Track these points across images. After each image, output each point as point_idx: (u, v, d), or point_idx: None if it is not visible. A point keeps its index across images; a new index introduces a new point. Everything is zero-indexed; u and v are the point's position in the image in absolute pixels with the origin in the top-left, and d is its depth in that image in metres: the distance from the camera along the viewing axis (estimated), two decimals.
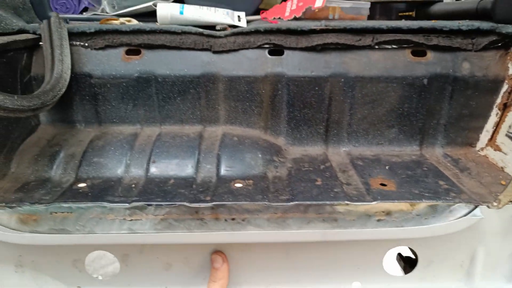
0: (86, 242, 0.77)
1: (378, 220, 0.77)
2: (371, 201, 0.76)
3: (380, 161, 0.93)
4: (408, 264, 0.95)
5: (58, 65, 0.86)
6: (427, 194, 0.77)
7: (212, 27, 1.00)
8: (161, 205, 0.76)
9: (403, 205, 0.76)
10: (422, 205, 0.76)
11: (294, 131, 0.98)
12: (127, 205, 0.76)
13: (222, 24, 1.02)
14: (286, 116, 0.96)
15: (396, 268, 0.96)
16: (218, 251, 0.81)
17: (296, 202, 0.76)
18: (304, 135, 0.98)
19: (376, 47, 0.93)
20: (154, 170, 0.87)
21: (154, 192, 0.79)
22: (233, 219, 0.77)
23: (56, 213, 0.76)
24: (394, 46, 0.93)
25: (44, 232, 0.78)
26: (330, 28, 0.92)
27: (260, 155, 0.91)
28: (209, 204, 0.75)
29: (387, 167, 0.89)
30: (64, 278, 0.84)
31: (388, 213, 0.77)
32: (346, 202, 0.76)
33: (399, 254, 1.01)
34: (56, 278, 0.84)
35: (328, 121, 0.97)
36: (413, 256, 0.99)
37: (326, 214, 0.77)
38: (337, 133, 0.98)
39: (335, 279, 0.84)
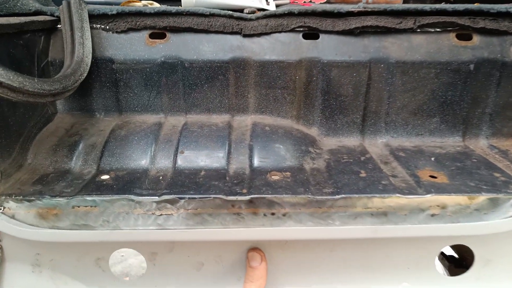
0: (111, 239, 0.70)
1: (432, 215, 0.70)
2: (425, 194, 0.70)
3: (423, 152, 0.86)
4: (453, 263, 0.88)
5: (79, 49, 0.80)
6: (485, 187, 0.71)
7: (239, 11, 0.94)
8: (195, 198, 0.69)
9: (460, 199, 0.70)
10: (481, 198, 0.69)
11: (329, 120, 0.91)
12: (156, 198, 0.69)
13: (250, 7, 0.96)
14: (320, 104, 0.90)
15: (439, 268, 0.89)
16: (255, 248, 0.74)
17: (343, 195, 0.69)
18: (339, 125, 0.92)
19: (418, 30, 0.87)
20: (182, 161, 0.80)
21: (185, 184, 0.73)
22: (272, 213, 0.70)
23: (78, 207, 0.70)
24: (438, 29, 0.87)
25: (65, 228, 0.71)
26: (369, 10, 0.86)
27: (295, 146, 0.84)
28: (247, 197, 0.69)
29: (432, 159, 0.83)
30: (86, 278, 0.77)
31: (443, 207, 0.70)
32: (398, 195, 0.69)
33: (442, 253, 0.94)
34: (76, 278, 0.77)
35: (365, 110, 0.90)
36: (456, 255, 0.93)
37: (374, 208, 0.70)
38: (374, 123, 0.91)
39: (382, 279, 0.77)
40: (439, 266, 0.91)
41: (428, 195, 0.69)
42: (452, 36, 0.87)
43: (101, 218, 0.71)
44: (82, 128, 0.87)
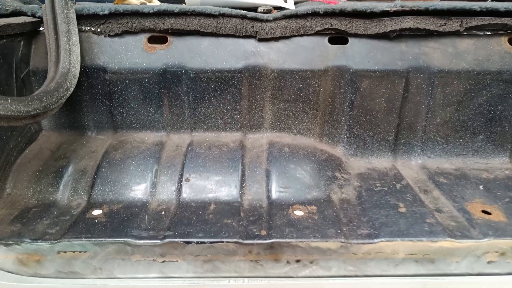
0: (112, 283, 0.58)
1: (489, 262, 0.59)
2: (482, 238, 0.58)
3: (468, 177, 0.74)
4: None
5: (65, 57, 0.67)
6: None
7: (253, 10, 0.81)
8: (204, 242, 0.57)
9: None
10: None
11: (357, 139, 0.79)
12: (159, 242, 0.57)
13: (265, 5, 0.82)
14: (347, 120, 0.77)
15: None
16: None
17: (383, 240, 0.57)
18: (368, 144, 0.79)
19: (465, 33, 0.74)
20: (188, 191, 0.68)
21: (192, 222, 0.61)
22: (298, 261, 0.59)
23: (65, 252, 0.58)
24: (488, 33, 0.74)
25: (50, 276, 0.60)
26: (408, 9, 0.73)
27: (319, 171, 0.72)
28: (268, 242, 0.57)
29: (481, 187, 0.71)
30: None
31: (502, 253, 0.58)
32: (449, 239, 0.57)
33: None
34: None
35: (399, 126, 0.78)
36: None
37: (420, 254, 0.58)
38: (409, 142, 0.79)
39: None
40: None
41: (486, 240, 0.58)
42: (504, 40, 0.74)
43: (92, 265, 0.59)
44: (70, 149, 0.74)
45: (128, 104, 0.77)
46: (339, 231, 0.59)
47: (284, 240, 0.57)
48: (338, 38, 0.75)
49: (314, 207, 0.65)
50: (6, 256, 0.59)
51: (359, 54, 0.74)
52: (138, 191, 0.68)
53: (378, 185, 0.72)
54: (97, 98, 0.76)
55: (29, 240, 0.57)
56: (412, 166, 0.79)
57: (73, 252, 0.58)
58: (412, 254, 0.58)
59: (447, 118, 0.77)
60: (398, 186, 0.71)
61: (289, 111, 0.78)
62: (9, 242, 0.58)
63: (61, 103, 0.65)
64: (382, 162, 0.79)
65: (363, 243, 0.58)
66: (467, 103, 0.76)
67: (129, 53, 0.74)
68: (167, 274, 0.60)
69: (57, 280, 0.59)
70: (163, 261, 0.59)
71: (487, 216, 0.63)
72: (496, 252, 0.58)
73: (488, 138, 0.78)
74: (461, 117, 0.77)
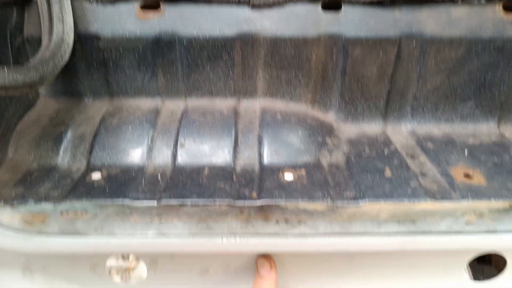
0: (105, 249, 0.62)
1: (467, 223, 0.62)
2: (460, 199, 0.61)
3: (454, 143, 0.76)
4: (480, 270, 0.81)
5: (58, 26, 0.68)
6: None
7: None
8: (198, 204, 0.61)
9: (499, 204, 0.61)
10: None
11: (348, 105, 0.80)
12: (155, 203, 0.61)
13: None
14: (339, 87, 0.78)
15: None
16: (265, 255, 0.67)
17: (368, 201, 0.61)
18: (359, 110, 0.81)
19: (460, 1, 0.73)
20: (183, 156, 0.71)
21: (187, 186, 0.64)
22: (286, 221, 0.62)
23: (67, 213, 0.62)
24: (483, 1, 0.73)
25: (54, 234, 0.64)
26: None
27: (310, 137, 0.74)
28: (258, 203, 0.60)
29: (466, 152, 0.73)
30: (82, 284, 0.71)
31: (480, 214, 0.62)
32: (430, 200, 0.60)
33: None
34: (72, 283, 0.71)
35: (390, 93, 0.79)
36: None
37: (402, 215, 0.62)
38: (399, 108, 0.81)
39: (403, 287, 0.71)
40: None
41: (464, 201, 0.61)
42: (498, 8, 0.74)
43: (93, 225, 0.63)
44: (68, 116, 0.76)
45: (123, 71, 0.78)
46: (326, 194, 0.62)
47: (273, 202, 0.61)
48: (331, 4, 0.74)
49: (303, 171, 0.68)
50: (13, 217, 0.62)
51: (352, 21, 0.74)
52: (135, 156, 0.71)
53: (367, 150, 0.74)
54: (92, 66, 0.77)
55: (32, 202, 0.61)
56: (401, 132, 0.81)
57: (75, 212, 0.62)
58: (394, 215, 0.62)
59: (438, 85, 0.78)
60: (386, 151, 0.74)
61: (282, 78, 0.79)
62: (14, 204, 0.61)
63: (57, 72, 0.66)
64: (372, 128, 0.81)
65: (348, 205, 0.61)
66: (459, 70, 0.77)
67: (122, 21, 0.75)
68: (164, 233, 0.63)
69: (61, 239, 0.63)
70: (160, 221, 0.63)
71: (468, 180, 0.66)
72: (474, 213, 0.62)
73: (477, 104, 0.80)
74: (451, 83, 0.78)
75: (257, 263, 0.67)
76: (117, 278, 0.73)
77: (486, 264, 0.79)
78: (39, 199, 0.61)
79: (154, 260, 0.68)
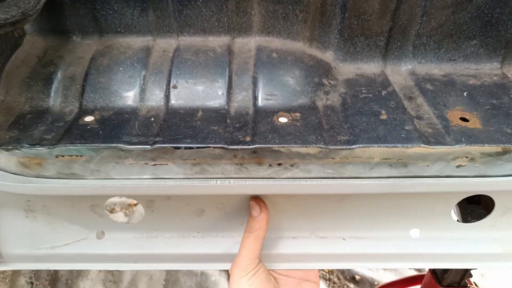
0: (102, 191, 0.64)
1: (458, 166, 0.63)
2: (454, 144, 0.61)
3: (454, 84, 0.74)
4: (469, 210, 0.84)
5: None
6: None
7: None
8: (192, 147, 0.61)
9: (492, 149, 0.61)
10: None
11: (347, 43, 0.77)
12: (149, 147, 0.61)
13: None
14: (339, 24, 0.74)
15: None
16: (256, 197, 0.69)
17: (360, 146, 0.61)
18: (359, 49, 0.78)
19: None
20: (176, 98, 0.70)
21: (180, 129, 0.64)
22: (279, 164, 0.63)
23: (63, 156, 0.62)
24: None
25: (52, 176, 0.65)
26: None
27: (306, 78, 0.72)
28: (251, 147, 0.61)
29: (465, 94, 0.72)
30: (83, 222, 0.74)
31: (472, 159, 0.62)
32: (423, 145, 0.61)
33: None
34: (73, 222, 0.74)
35: (391, 30, 0.75)
36: None
37: (394, 159, 0.62)
38: (400, 46, 0.77)
39: (391, 226, 0.74)
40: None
41: (457, 146, 0.61)
42: None
43: (89, 168, 0.64)
44: (57, 55, 0.74)
45: (110, 6, 0.74)
46: (319, 137, 0.62)
47: (267, 145, 0.61)
48: None
49: (298, 114, 0.67)
50: (9, 160, 0.63)
51: None
52: (127, 98, 0.70)
53: (364, 91, 0.73)
54: (78, 0, 0.73)
55: (27, 146, 0.61)
56: (401, 72, 0.78)
57: (70, 156, 0.62)
58: (386, 159, 0.62)
59: (443, 22, 0.74)
60: (383, 92, 0.72)
61: (278, 13, 0.75)
62: (9, 147, 0.61)
63: (39, 8, 0.62)
64: (371, 67, 0.79)
65: (341, 149, 0.61)
66: (465, 5, 0.72)
67: None
68: (160, 175, 0.65)
69: (59, 181, 0.64)
70: (155, 164, 0.64)
71: (464, 123, 0.65)
72: (466, 157, 0.62)
73: (482, 42, 0.76)
74: (457, 20, 0.74)
75: (250, 205, 0.69)
76: (120, 214, 0.76)
77: (475, 204, 0.82)
78: (34, 143, 0.62)
79: (150, 201, 0.71)
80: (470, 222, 0.82)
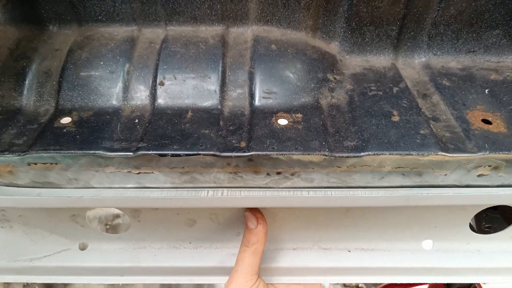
0: (82, 203, 0.57)
1: (480, 176, 0.56)
2: (476, 152, 0.54)
3: (474, 79, 0.67)
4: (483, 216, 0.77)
5: None
6: None
7: None
8: (179, 155, 0.54)
9: None
10: None
11: (355, 33, 0.69)
12: (131, 154, 0.54)
13: None
14: (346, 11, 0.66)
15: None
16: (253, 208, 0.62)
17: (369, 153, 0.54)
18: (368, 39, 0.70)
19: None
20: (163, 96, 0.62)
21: (167, 132, 0.57)
22: (278, 173, 0.56)
23: (35, 164, 0.56)
24: None
25: (26, 185, 0.59)
26: None
27: (309, 73, 0.65)
28: (247, 155, 0.54)
29: (486, 91, 0.64)
30: (64, 232, 0.68)
31: (495, 168, 0.55)
32: (442, 153, 0.54)
33: None
34: (53, 232, 0.68)
35: (405, 19, 0.67)
36: None
37: (408, 168, 0.55)
38: (414, 36, 0.69)
39: (402, 237, 0.67)
40: None
41: (480, 154, 0.54)
42: None
43: (66, 176, 0.57)
44: (31, 47, 0.66)
45: None
46: (323, 143, 0.55)
47: (264, 153, 0.54)
48: None
49: (299, 115, 0.60)
50: None
51: None
52: (109, 96, 0.62)
53: (373, 88, 0.65)
54: None
55: None
56: (414, 65, 0.71)
57: (44, 164, 0.56)
58: (399, 167, 0.55)
59: (463, 9, 0.66)
60: (395, 89, 0.65)
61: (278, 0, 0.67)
62: None
63: None
64: (381, 60, 0.71)
65: (348, 156, 0.54)
66: None
67: None
68: (144, 184, 0.58)
69: (33, 191, 0.58)
70: (139, 173, 0.57)
71: (486, 126, 0.58)
72: (489, 166, 0.55)
73: (505, 32, 0.68)
74: (478, 7, 0.66)
75: (245, 216, 0.63)
76: (101, 229, 0.70)
77: (491, 209, 0.75)
78: (2, 149, 0.55)
79: (136, 211, 0.64)
80: (485, 227, 0.75)
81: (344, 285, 2.05)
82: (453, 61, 0.71)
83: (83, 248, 0.69)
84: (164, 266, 0.67)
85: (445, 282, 0.65)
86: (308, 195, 0.54)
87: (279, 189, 0.57)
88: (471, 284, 0.97)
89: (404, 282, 0.65)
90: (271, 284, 0.66)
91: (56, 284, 1.98)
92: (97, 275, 0.68)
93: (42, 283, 1.97)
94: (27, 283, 1.98)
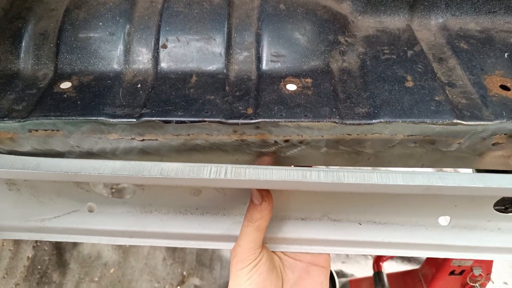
0: (81, 178, 0.55)
1: (494, 144, 0.54)
2: (493, 120, 0.52)
3: (493, 42, 0.63)
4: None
5: None
6: None
7: None
8: (184, 122, 0.52)
9: None
10: None
11: None
12: (134, 121, 0.52)
13: None
14: None
15: None
16: None
17: (381, 120, 0.52)
18: None
19: None
20: (166, 60, 0.60)
21: (171, 98, 0.55)
22: (286, 141, 0.55)
23: (36, 130, 0.54)
24: None
25: (28, 152, 0.58)
26: None
27: (320, 35, 0.61)
28: (254, 122, 0.52)
29: (506, 55, 0.61)
30: (71, 196, 0.67)
31: (511, 136, 0.53)
32: (457, 120, 0.51)
33: None
34: (60, 195, 0.67)
35: None
36: None
37: (420, 135, 0.53)
38: None
39: (417, 212, 0.65)
40: None
41: (497, 122, 0.52)
42: None
43: (68, 143, 0.56)
44: (25, 7, 0.63)
45: None
46: (334, 110, 0.53)
47: (272, 120, 0.52)
48: None
49: (309, 80, 0.58)
50: None
51: None
52: (110, 59, 0.60)
53: (386, 51, 0.62)
54: None
55: None
56: (430, 27, 0.67)
57: (45, 130, 0.54)
58: (412, 135, 0.54)
59: None
60: (409, 53, 0.61)
61: None
62: None
63: None
64: (395, 21, 0.67)
65: (359, 124, 0.52)
66: None
67: None
68: (149, 151, 0.57)
69: (35, 159, 0.56)
70: (143, 140, 0.55)
71: (504, 92, 0.55)
72: (505, 134, 0.53)
73: None
74: None
75: (251, 191, 0.62)
76: (107, 192, 0.70)
77: None
78: (1, 115, 0.53)
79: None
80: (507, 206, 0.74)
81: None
82: (472, 23, 0.67)
83: (91, 210, 0.69)
84: (171, 232, 0.67)
85: (461, 258, 0.64)
86: (318, 179, 0.51)
87: (286, 170, 0.53)
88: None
89: (417, 256, 0.65)
90: (281, 252, 0.66)
91: (65, 246, 2.03)
92: (106, 236, 0.69)
93: (52, 242, 2.03)
94: (37, 245, 2.04)
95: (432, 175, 0.50)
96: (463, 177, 0.50)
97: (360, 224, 0.67)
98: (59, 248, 2.04)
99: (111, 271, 1.96)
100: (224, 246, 0.67)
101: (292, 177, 0.50)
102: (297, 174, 0.50)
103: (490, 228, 0.66)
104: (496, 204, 0.63)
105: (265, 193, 0.59)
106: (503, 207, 0.72)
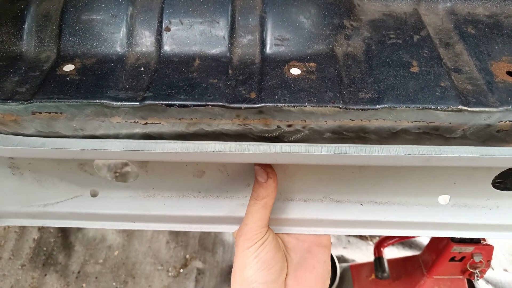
0: (87, 154, 0.56)
1: (499, 131, 0.54)
2: (498, 106, 0.51)
3: (501, 27, 0.62)
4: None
5: None
6: None
7: None
8: (187, 105, 0.52)
9: None
10: None
11: None
12: (137, 104, 0.52)
13: None
14: None
15: None
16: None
17: (385, 106, 0.51)
18: None
19: None
20: (169, 42, 0.59)
21: (174, 81, 0.55)
22: (289, 125, 0.54)
23: (40, 113, 0.54)
24: None
25: (32, 134, 0.58)
26: None
27: (325, 18, 0.60)
28: (257, 106, 0.52)
29: None
30: (74, 180, 0.68)
31: None
32: (461, 106, 0.51)
33: None
34: (63, 179, 0.68)
35: None
36: None
37: (424, 122, 0.53)
38: None
39: (417, 192, 0.66)
40: None
41: (502, 108, 0.51)
42: None
43: (72, 126, 0.56)
44: None
45: None
46: (338, 95, 0.53)
47: (275, 104, 0.52)
48: None
49: (313, 64, 0.57)
50: None
51: None
52: (112, 42, 0.59)
53: (392, 36, 0.61)
54: None
55: None
56: (438, 11, 0.66)
57: (49, 113, 0.54)
58: (416, 121, 0.53)
59: None
60: (416, 38, 0.61)
61: None
62: None
63: None
64: (402, 5, 0.66)
65: (363, 109, 0.52)
66: None
67: None
68: (151, 134, 0.57)
69: (38, 140, 0.57)
70: (146, 123, 0.55)
71: (511, 78, 0.55)
72: (510, 121, 0.53)
73: None
74: None
75: (255, 169, 0.62)
76: (111, 176, 0.70)
77: None
78: (5, 97, 0.53)
79: (143, 162, 0.63)
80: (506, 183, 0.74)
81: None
82: (480, 7, 0.65)
83: (94, 194, 0.69)
84: (174, 215, 0.68)
85: (461, 236, 0.65)
86: (321, 152, 0.52)
87: (289, 145, 0.54)
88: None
89: (418, 235, 0.65)
90: (284, 234, 0.67)
91: (70, 228, 2.06)
92: (109, 221, 0.69)
93: (56, 227, 2.06)
94: (42, 227, 2.07)
95: (432, 147, 0.50)
96: (462, 149, 0.51)
97: (361, 204, 0.67)
98: (64, 231, 2.07)
99: (116, 253, 1.99)
100: (227, 229, 0.68)
101: (296, 150, 0.51)
102: (300, 148, 0.51)
103: (489, 206, 0.66)
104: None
105: (269, 170, 0.60)
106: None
